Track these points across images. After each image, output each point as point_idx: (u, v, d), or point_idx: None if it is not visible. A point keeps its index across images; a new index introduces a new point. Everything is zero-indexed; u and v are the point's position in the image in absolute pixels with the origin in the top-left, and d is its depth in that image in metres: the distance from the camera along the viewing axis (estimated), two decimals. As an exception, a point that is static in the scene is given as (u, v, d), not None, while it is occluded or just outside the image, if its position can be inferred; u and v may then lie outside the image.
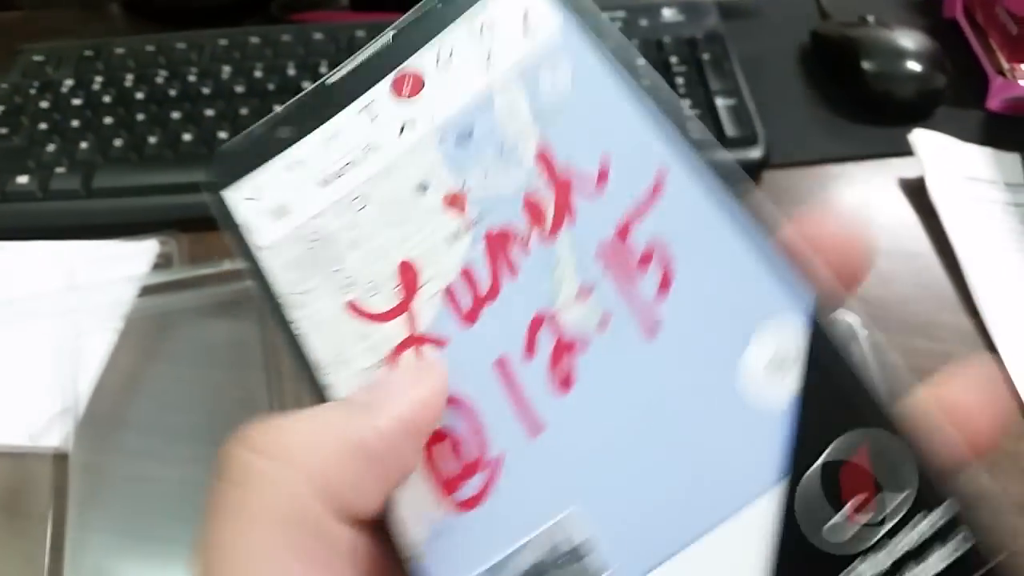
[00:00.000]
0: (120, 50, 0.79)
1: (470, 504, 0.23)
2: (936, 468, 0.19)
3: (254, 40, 0.78)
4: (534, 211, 0.25)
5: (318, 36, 0.78)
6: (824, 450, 0.20)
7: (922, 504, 0.19)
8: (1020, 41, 0.73)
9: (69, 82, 0.77)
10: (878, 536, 0.19)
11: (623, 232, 0.23)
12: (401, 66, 0.27)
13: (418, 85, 0.27)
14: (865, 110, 0.75)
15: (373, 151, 0.27)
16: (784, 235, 0.22)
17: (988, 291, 0.61)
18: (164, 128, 0.72)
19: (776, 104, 0.75)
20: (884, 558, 0.19)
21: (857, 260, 0.23)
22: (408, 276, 0.25)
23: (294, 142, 0.27)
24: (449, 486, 0.23)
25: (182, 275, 0.62)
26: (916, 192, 0.69)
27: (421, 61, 0.27)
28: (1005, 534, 0.19)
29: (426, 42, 0.27)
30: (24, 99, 0.76)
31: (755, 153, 0.69)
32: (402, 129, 0.27)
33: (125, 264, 0.64)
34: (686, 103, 0.71)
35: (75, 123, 0.73)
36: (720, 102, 0.71)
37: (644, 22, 0.78)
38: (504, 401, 0.23)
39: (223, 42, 0.79)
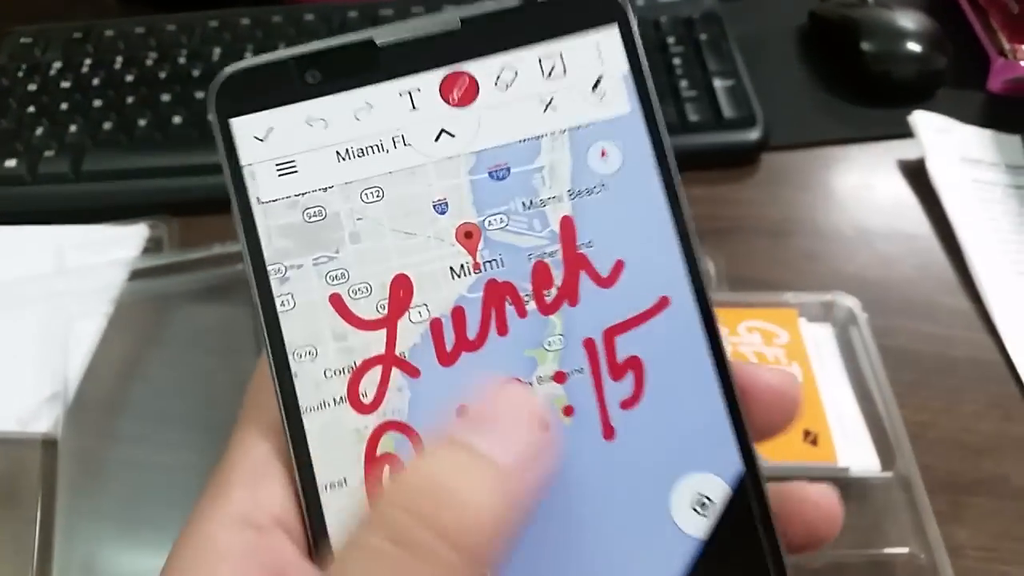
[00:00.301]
0: (109, 32, 0.78)
1: None
2: None
3: (244, 21, 0.77)
4: (541, 277, 0.25)
5: (309, 17, 0.77)
6: None
7: None
8: (1022, 21, 0.72)
9: (58, 64, 0.76)
10: None
11: (611, 336, 0.24)
12: (459, 64, 0.26)
13: (471, 95, 0.25)
14: (864, 91, 0.74)
15: (403, 145, 0.25)
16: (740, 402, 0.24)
17: (988, 273, 0.60)
18: (154, 111, 0.71)
19: (774, 86, 0.74)
20: None
21: (785, 409, 0.25)
22: (401, 292, 0.25)
23: (322, 94, 0.25)
24: None
25: (173, 259, 0.61)
26: (916, 174, 0.68)
27: (482, 70, 0.26)
28: None
29: (494, 51, 0.26)
30: (12, 81, 0.75)
31: (753, 135, 0.69)
32: (439, 135, 0.25)
33: (115, 248, 0.63)
34: (683, 84, 0.70)
35: (64, 106, 0.72)
36: (718, 83, 0.71)
37: (641, 1, 0.77)
38: None
39: (213, 24, 0.78)
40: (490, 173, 0.25)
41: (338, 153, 0.25)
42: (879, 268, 0.62)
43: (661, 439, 0.24)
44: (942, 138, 0.68)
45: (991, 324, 0.58)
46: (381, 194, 0.25)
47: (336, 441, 0.24)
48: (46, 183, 0.68)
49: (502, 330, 0.24)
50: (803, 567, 0.46)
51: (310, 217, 0.25)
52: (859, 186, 0.69)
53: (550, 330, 0.24)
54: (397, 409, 0.24)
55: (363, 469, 0.24)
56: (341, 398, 0.24)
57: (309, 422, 0.24)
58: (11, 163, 0.68)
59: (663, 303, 0.24)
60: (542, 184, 0.25)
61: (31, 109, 0.72)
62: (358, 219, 0.25)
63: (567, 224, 0.25)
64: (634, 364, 0.24)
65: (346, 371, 0.24)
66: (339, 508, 0.24)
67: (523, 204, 0.25)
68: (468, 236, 0.25)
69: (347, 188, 0.25)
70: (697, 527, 0.23)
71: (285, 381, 0.24)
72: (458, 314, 0.24)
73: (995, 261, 0.61)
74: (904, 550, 0.45)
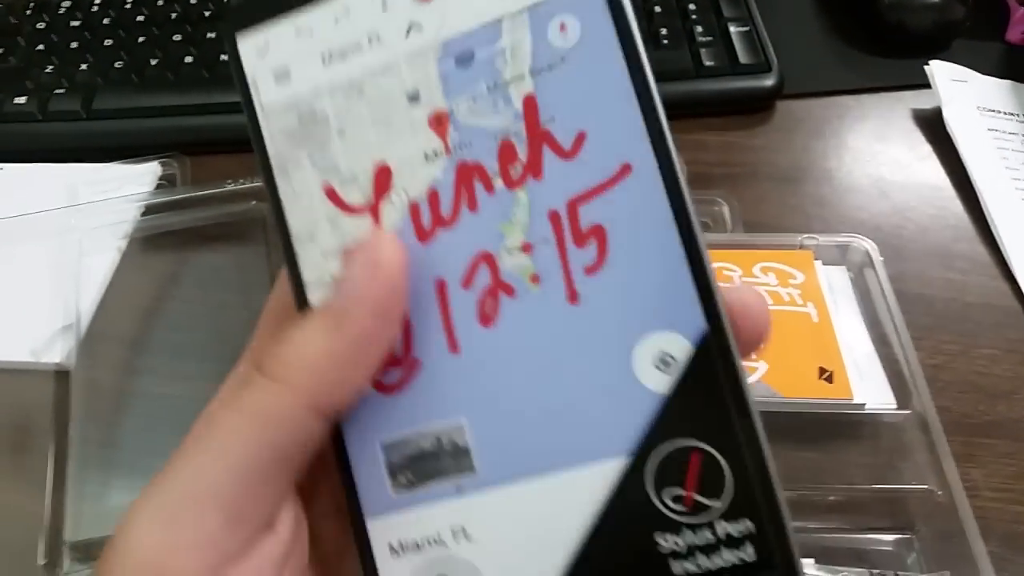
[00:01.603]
0: (119, -28, 0.77)
1: (388, 389, 0.26)
2: (743, 494, 0.23)
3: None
4: (507, 155, 0.26)
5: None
6: (675, 441, 0.24)
7: (726, 516, 0.23)
8: (1041, -29, 0.72)
9: (67, 3, 0.75)
10: (695, 521, 0.23)
11: (575, 205, 0.25)
12: None
13: None
14: (879, 41, 0.74)
15: (377, 43, 0.27)
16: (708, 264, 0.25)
17: (1005, 221, 0.60)
18: (165, 50, 0.71)
19: (789, 34, 0.74)
20: (695, 538, 0.23)
21: (758, 329, 0.25)
22: (382, 179, 0.27)
23: (306, 5, 0.27)
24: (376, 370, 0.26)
25: (186, 195, 0.61)
26: (931, 124, 0.68)
27: None
28: (787, 558, 0.23)
29: None
30: (20, 20, 0.74)
31: (769, 81, 0.68)
32: (409, 30, 0.27)
33: (127, 185, 0.62)
34: (698, 29, 0.70)
35: (73, 45, 0.72)
36: (733, 29, 0.70)
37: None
38: (434, 317, 0.26)
39: (225, -35, 0.77)
40: (456, 60, 0.26)
41: (323, 57, 0.27)
42: (893, 216, 0.62)
43: (624, 301, 0.24)
44: (959, 87, 0.67)
45: (1008, 271, 0.58)
46: (362, 91, 0.27)
47: None
48: (57, 120, 0.67)
49: (472, 207, 0.26)
50: (817, 502, 0.46)
51: (303, 118, 0.27)
52: (873, 135, 0.68)
53: (516, 204, 0.25)
54: None
55: None
56: (335, 276, 0.27)
57: (311, 296, 0.27)
58: (21, 100, 0.68)
59: (625, 170, 0.25)
60: (505, 65, 0.26)
61: (40, 47, 0.72)
62: (343, 115, 0.27)
63: (530, 101, 0.25)
64: (597, 231, 0.25)
65: (338, 252, 0.27)
66: None
67: (488, 87, 0.26)
68: (439, 122, 0.26)
69: (333, 89, 0.27)
70: (659, 383, 0.24)
71: (292, 263, 0.27)
72: (433, 195, 0.26)
73: (1012, 209, 0.61)
74: (922, 486, 0.45)
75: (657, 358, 0.24)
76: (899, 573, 0.43)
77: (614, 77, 0.25)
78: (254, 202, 0.60)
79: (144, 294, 0.58)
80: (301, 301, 0.27)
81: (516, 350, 0.25)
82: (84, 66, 0.70)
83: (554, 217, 0.25)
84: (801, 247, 0.55)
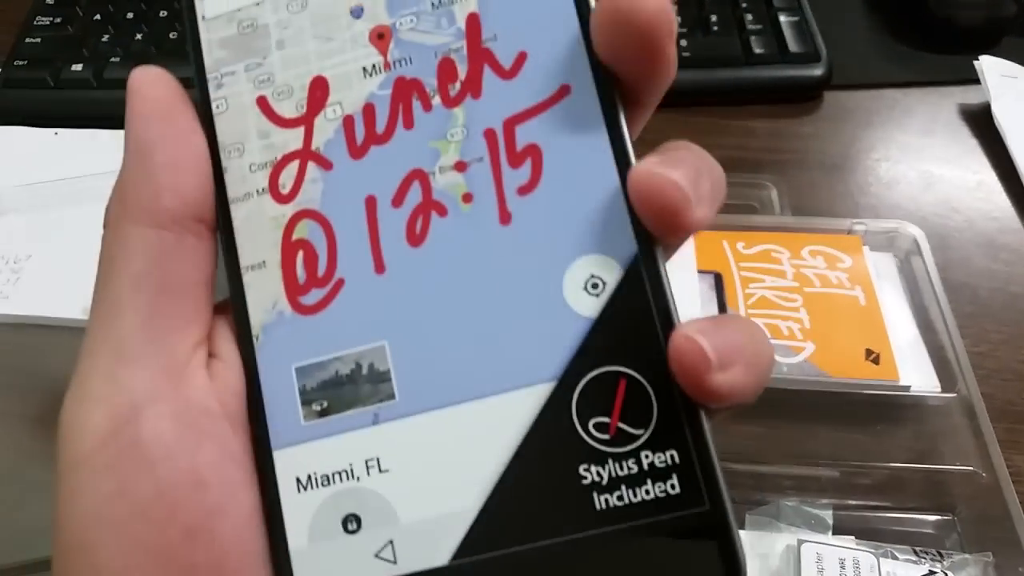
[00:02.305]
0: (176, -54, 0.78)
1: (308, 310, 0.25)
2: (669, 423, 0.23)
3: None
4: (447, 73, 0.25)
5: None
6: (601, 366, 0.23)
7: (650, 446, 0.23)
8: (1094, -31, 0.72)
9: (124, -25, 0.76)
10: (619, 451, 0.23)
11: (511, 125, 0.25)
12: None
13: None
14: (928, 37, 0.74)
15: None
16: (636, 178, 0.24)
17: (1053, 214, 0.60)
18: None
19: (838, 26, 0.74)
20: (618, 469, 0.23)
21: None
22: (317, 92, 0.26)
23: None
24: (296, 290, 0.25)
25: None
26: (978, 119, 0.68)
27: None
28: (713, 493, 0.22)
29: None
30: (79, -10, 0.75)
31: (817, 71, 0.69)
32: None
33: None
34: (749, 17, 0.70)
35: (129, 15, 0.73)
36: (783, 18, 0.70)
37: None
38: (361, 235, 0.25)
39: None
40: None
41: None
42: (939, 206, 0.62)
43: (556, 224, 0.24)
44: (1009, 83, 0.67)
45: (1053, 263, 0.58)
46: (305, 5, 0.26)
47: (257, 228, 0.26)
48: (111, 88, 0.68)
49: (408, 124, 0.25)
50: (860, 481, 0.46)
51: (243, 29, 0.27)
52: (921, 129, 0.68)
53: (453, 122, 0.25)
54: (311, 199, 0.26)
55: (280, 252, 0.26)
56: (263, 189, 0.26)
57: (235, 212, 0.26)
58: (77, 67, 0.69)
59: (563, 91, 0.25)
60: None
61: (97, 17, 0.73)
62: (284, 28, 0.26)
63: (472, 20, 0.25)
64: (532, 152, 0.25)
65: (268, 165, 0.26)
66: (258, 287, 0.26)
67: (432, 4, 0.26)
68: (380, 37, 0.26)
69: (276, 1, 0.27)
70: (588, 307, 0.24)
71: (218, 176, 0.26)
72: (368, 110, 0.26)
73: (1059, 203, 0.61)
74: (966, 468, 0.46)
75: (587, 282, 0.24)
76: (942, 552, 0.43)
77: (558, 1, 0.25)
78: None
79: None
80: (226, 219, 0.26)
81: (444, 271, 0.25)
82: (139, 36, 0.71)
83: (490, 136, 0.25)
84: (849, 232, 0.56)
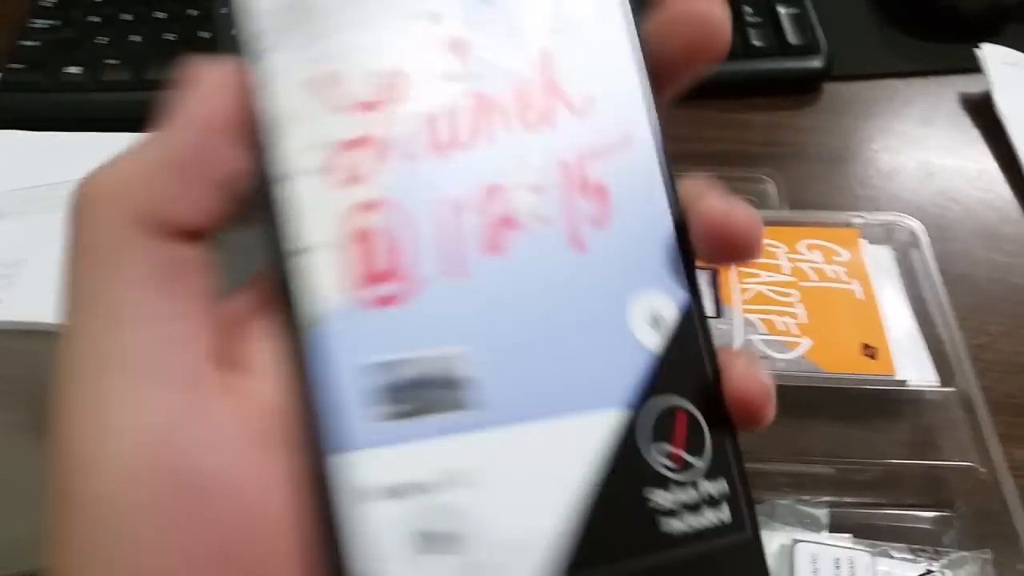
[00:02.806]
0: (172, -54, 0.78)
1: (381, 302, 0.23)
2: (720, 456, 0.25)
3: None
4: (523, 98, 0.25)
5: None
6: (665, 396, 0.25)
7: (707, 475, 0.24)
8: (1096, -45, 0.71)
9: (121, -24, 0.76)
10: (683, 479, 0.24)
11: (582, 160, 0.26)
12: None
13: None
14: (929, 25, 0.73)
15: None
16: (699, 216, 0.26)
17: (1054, 204, 0.59)
18: (216, 22, 0.71)
19: (838, 17, 0.73)
20: (683, 496, 0.24)
21: (714, 33, 0.26)
22: (393, 85, 0.24)
23: None
24: (367, 278, 0.23)
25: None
26: (979, 108, 0.67)
27: None
28: (752, 522, 0.24)
29: None
30: (76, -9, 0.75)
31: (816, 62, 0.68)
32: None
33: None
34: (747, 9, 0.70)
35: (127, 16, 0.73)
36: (782, 10, 0.70)
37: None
38: (442, 235, 0.24)
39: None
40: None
41: None
42: (939, 197, 0.62)
43: (622, 257, 0.25)
44: (1011, 71, 0.67)
45: (1055, 254, 0.57)
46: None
47: (317, 210, 0.23)
48: (109, 91, 0.68)
49: (488, 139, 0.25)
50: (856, 478, 0.46)
51: (298, 5, 0.24)
52: (921, 119, 0.68)
53: (531, 145, 0.25)
54: (386, 188, 0.24)
55: (348, 238, 0.23)
56: (324, 170, 0.23)
57: (288, 191, 0.23)
58: (74, 69, 0.69)
59: (628, 138, 0.26)
60: (527, 14, 0.26)
61: (94, 18, 0.73)
62: (354, 11, 0.25)
63: (546, 53, 0.26)
64: (601, 188, 0.26)
65: (331, 147, 0.24)
66: (316, 272, 0.23)
67: (508, 30, 0.26)
68: (458, 48, 0.25)
69: None
70: (651, 340, 0.25)
71: (259, 155, 0.24)
72: (451, 117, 0.25)
73: (1061, 193, 0.60)
74: (964, 463, 0.45)
75: (649, 315, 0.25)
76: (939, 549, 0.43)
77: (623, 52, 0.27)
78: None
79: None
80: (269, 199, 0.23)
81: (520, 284, 0.24)
82: (137, 37, 0.71)
83: (564, 166, 0.25)
84: (847, 226, 0.55)
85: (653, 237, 0.26)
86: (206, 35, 0.70)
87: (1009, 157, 0.63)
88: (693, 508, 0.24)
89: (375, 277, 0.23)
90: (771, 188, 0.59)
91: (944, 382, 0.48)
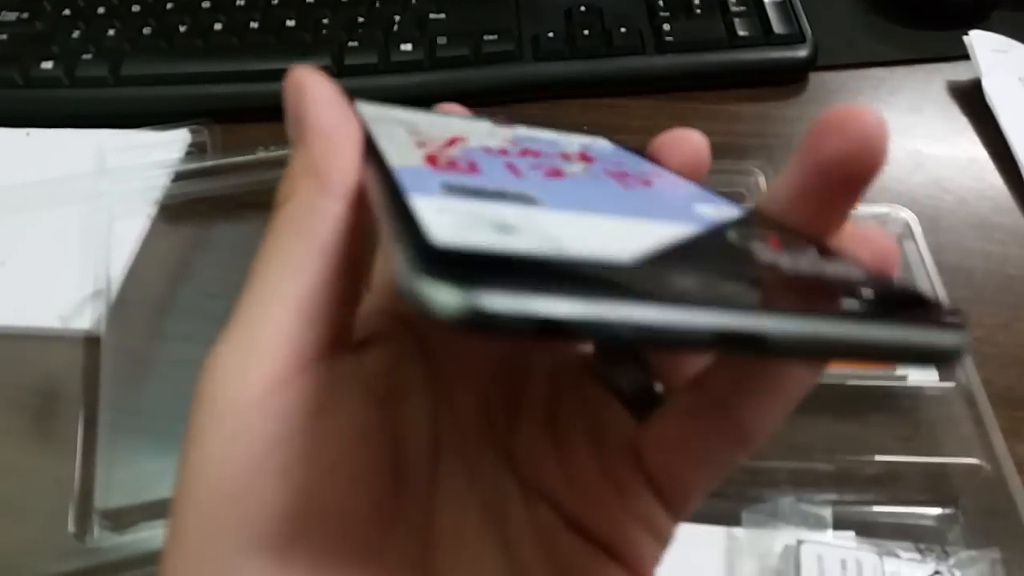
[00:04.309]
0: (146, -63, 0.76)
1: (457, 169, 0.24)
2: None
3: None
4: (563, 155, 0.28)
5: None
6: None
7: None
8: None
9: (93, -32, 0.74)
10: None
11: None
12: None
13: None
14: (916, 13, 0.73)
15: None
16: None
17: (1046, 193, 0.59)
18: (194, 17, 0.70)
19: (824, 5, 0.73)
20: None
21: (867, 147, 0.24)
22: (455, 139, 0.27)
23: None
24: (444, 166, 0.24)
25: (217, 162, 0.60)
26: (968, 95, 0.67)
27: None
28: None
29: None
30: (47, -16, 0.74)
31: (802, 52, 0.67)
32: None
33: (157, 151, 0.62)
34: (732, 0, 0.69)
35: (101, 10, 0.71)
36: (768, -1, 0.69)
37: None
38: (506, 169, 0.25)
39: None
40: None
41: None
42: (931, 187, 0.61)
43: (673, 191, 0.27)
44: (999, 58, 0.66)
45: (1049, 244, 0.57)
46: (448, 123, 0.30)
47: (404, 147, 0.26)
48: (84, 87, 0.67)
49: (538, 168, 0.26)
50: (858, 475, 0.46)
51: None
52: (909, 107, 0.67)
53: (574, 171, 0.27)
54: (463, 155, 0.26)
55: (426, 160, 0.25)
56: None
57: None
58: (47, 65, 0.67)
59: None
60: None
61: (66, 12, 0.71)
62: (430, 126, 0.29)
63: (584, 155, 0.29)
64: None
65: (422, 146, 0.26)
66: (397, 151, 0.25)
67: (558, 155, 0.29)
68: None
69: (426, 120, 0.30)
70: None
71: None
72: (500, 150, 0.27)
73: (1052, 181, 0.60)
74: (968, 460, 0.45)
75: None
76: (946, 548, 0.42)
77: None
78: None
79: (174, 260, 0.57)
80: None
81: (584, 193, 0.25)
82: (111, 31, 0.69)
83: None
84: (841, 218, 0.54)
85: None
86: (183, 28, 0.69)
87: (999, 144, 0.63)
88: None
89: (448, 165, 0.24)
90: (760, 180, 0.59)
91: (944, 377, 0.48)
